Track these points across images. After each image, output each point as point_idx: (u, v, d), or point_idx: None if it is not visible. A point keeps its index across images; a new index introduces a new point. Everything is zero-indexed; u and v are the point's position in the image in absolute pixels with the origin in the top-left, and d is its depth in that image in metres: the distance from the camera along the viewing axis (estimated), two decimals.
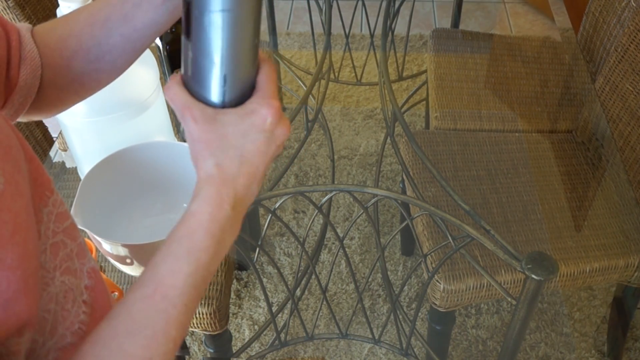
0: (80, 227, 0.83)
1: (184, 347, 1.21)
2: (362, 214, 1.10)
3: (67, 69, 0.61)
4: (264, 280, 1.74)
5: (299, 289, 1.56)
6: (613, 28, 1.43)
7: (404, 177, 1.52)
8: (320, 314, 1.64)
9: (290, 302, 1.20)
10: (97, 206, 0.91)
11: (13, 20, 1.33)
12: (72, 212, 0.84)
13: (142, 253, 0.86)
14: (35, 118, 0.65)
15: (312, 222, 1.84)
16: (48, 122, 1.51)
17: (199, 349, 1.59)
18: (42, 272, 0.48)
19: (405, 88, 2.21)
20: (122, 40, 0.60)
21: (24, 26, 0.61)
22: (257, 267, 1.11)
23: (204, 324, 1.16)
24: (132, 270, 0.90)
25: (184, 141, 1.00)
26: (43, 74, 0.61)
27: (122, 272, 1.01)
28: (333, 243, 1.82)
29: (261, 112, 0.51)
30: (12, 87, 0.58)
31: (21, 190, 0.45)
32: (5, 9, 1.31)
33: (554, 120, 1.54)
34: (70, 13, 0.63)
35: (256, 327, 1.64)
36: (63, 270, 0.51)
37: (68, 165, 1.28)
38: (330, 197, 1.07)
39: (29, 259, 0.44)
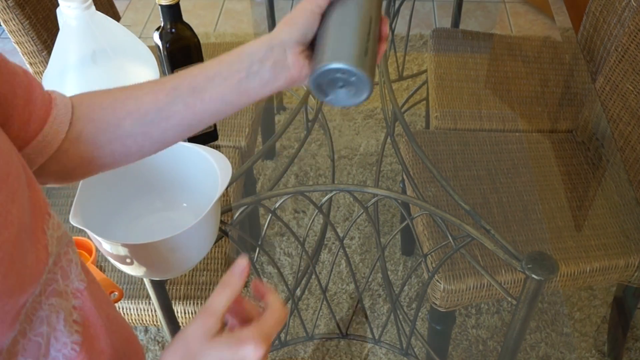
0: (80, 227, 0.83)
1: None
2: (362, 213, 1.10)
3: (116, 127, 0.61)
4: (264, 280, 1.74)
5: (299, 288, 1.56)
6: (613, 28, 1.43)
7: (404, 176, 1.52)
8: (321, 313, 1.64)
9: (290, 301, 1.20)
10: (97, 206, 0.91)
11: (12, 20, 1.33)
12: (72, 212, 0.84)
13: (142, 253, 0.86)
14: (45, 180, 0.63)
15: (312, 222, 1.84)
16: None
17: None
18: (32, 298, 0.48)
19: (406, 88, 2.20)
20: (184, 108, 0.61)
21: (62, 98, 0.61)
22: (257, 267, 1.11)
23: None
24: (132, 270, 0.90)
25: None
26: (85, 130, 0.60)
27: (122, 272, 1.01)
28: (333, 243, 1.82)
29: (247, 348, 0.52)
30: (28, 141, 0.58)
31: (11, 220, 0.44)
32: (5, 9, 1.31)
33: (554, 120, 1.54)
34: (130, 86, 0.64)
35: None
36: (49, 293, 0.50)
37: None
38: (331, 197, 1.06)
39: (8, 292, 0.44)
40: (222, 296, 0.54)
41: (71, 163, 0.62)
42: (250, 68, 0.59)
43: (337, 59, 0.57)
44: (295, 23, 0.60)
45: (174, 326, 1.14)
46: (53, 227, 0.51)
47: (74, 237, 1.07)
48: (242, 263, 0.56)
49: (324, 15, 0.60)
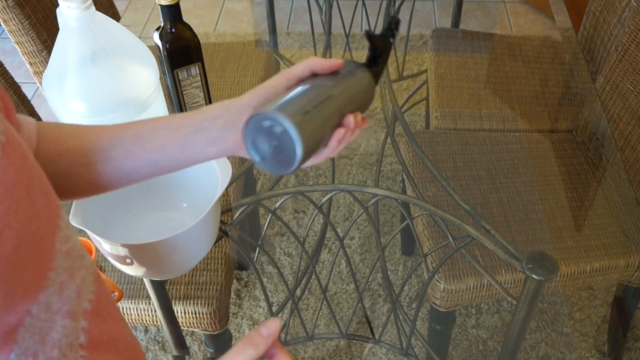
0: (80, 227, 0.83)
1: (184, 347, 1.21)
2: (362, 213, 1.10)
3: (54, 163, 0.59)
4: (264, 280, 1.74)
5: (299, 288, 1.56)
6: (613, 28, 1.42)
7: (404, 176, 1.52)
8: (321, 313, 1.64)
9: (290, 302, 1.20)
10: (97, 206, 0.91)
11: (12, 20, 1.33)
12: (72, 212, 0.84)
13: (142, 253, 0.86)
14: None
15: (312, 221, 1.83)
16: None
17: (199, 349, 1.59)
18: (45, 317, 0.46)
19: (406, 88, 2.20)
20: (123, 154, 0.60)
21: (30, 121, 0.60)
22: (257, 267, 1.11)
23: (204, 323, 1.16)
24: (132, 270, 0.90)
25: None
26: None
27: (122, 272, 1.01)
28: (333, 243, 1.82)
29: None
30: None
31: (8, 234, 0.42)
32: (4, 8, 1.31)
33: (555, 120, 1.54)
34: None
35: (256, 327, 1.64)
36: (64, 313, 0.49)
37: None
38: (331, 197, 1.06)
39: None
40: (243, 357, 0.51)
41: None
42: (200, 124, 0.59)
43: (278, 109, 0.54)
44: (259, 90, 0.60)
45: (174, 326, 1.14)
46: (61, 240, 0.49)
47: None
48: (273, 326, 0.52)
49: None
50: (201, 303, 1.13)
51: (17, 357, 0.44)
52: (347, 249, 1.80)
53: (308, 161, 0.60)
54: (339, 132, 0.59)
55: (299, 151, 0.54)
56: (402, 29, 1.90)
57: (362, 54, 0.71)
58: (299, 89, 0.58)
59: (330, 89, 0.59)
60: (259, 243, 1.11)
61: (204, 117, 0.59)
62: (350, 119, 0.59)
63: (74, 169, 0.60)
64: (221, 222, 0.97)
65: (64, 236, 0.50)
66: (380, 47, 0.65)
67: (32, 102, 1.42)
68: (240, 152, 0.61)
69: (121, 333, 0.59)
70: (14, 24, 1.34)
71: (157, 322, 1.17)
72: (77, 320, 0.51)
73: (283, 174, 0.57)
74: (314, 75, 0.62)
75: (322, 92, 0.58)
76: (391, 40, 0.65)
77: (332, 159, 1.86)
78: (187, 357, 1.57)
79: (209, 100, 1.10)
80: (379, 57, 0.66)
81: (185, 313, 1.14)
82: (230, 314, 1.60)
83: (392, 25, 0.65)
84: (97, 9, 0.98)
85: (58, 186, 0.59)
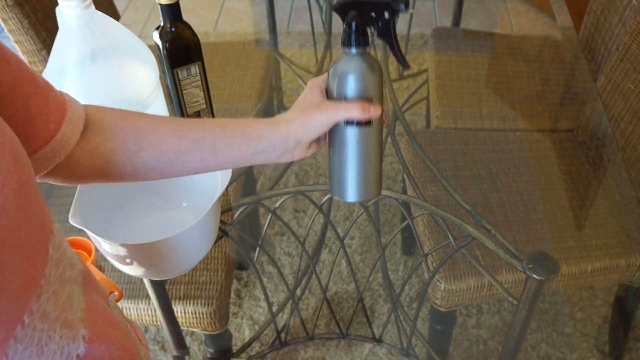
0: (80, 227, 0.82)
1: (184, 347, 1.20)
2: (362, 213, 1.10)
3: (134, 154, 0.65)
4: (264, 280, 1.73)
5: (299, 288, 1.56)
6: (614, 27, 1.42)
7: (405, 176, 1.52)
8: (321, 313, 1.64)
9: (290, 301, 1.20)
10: (96, 206, 0.90)
11: (12, 19, 1.33)
12: (71, 212, 0.84)
13: (141, 253, 0.86)
14: (52, 180, 0.66)
15: (313, 221, 1.83)
16: None
17: (199, 349, 1.59)
18: (42, 326, 0.46)
19: (406, 87, 2.20)
20: (200, 161, 0.67)
21: (74, 98, 0.64)
22: (257, 266, 1.10)
23: (204, 323, 1.15)
24: (132, 270, 0.90)
25: None
26: (101, 146, 0.64)
27: (122, 272, 1.01)
28: (333, 243, 1.81)
29: None
30: (47, 140, 0.59)
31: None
32: (4, 7, 1.31)
33: (555, 120, 1.53)
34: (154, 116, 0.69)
35: (256, 327, 1.64)
36: (62, 322, 0.48)
37: None
38: (331, 197, 1.06)
39: None
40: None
41: (80, 172, 0.64)
42: (265, 149, 0.67)
43: (362, 198, 0.70)
44: (309, 126, 0.66)
45: (174, 326, 1.13)
46: (54, 247, 0.49)
47: (73, 237, 1.06)
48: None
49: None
50: (201, 303, 1.13)
51: None
52: (347, 249, 1.79)
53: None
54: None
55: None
56: (403, 28, 1.90)
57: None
58: (356, 159, 0.69)
59: (377, 144, 0.69)
60: (259, 243, 1.10)
61: (268, 144, 0.67)
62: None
63: (154, 163, 0.66)
64: (221, 222, 0.97)
65: (56, 243, 0.49)
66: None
67: None
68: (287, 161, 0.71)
69: (117, 337, 0.58)
70: (13, 23, 1.34)
71: (157, 322, 1.17)
72: (74, 330, 0.50)
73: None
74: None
75: (377, 152, 0.70)
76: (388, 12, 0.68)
77: None
78: (187, 357, 1.57)
79: (209, 100, 1.10)
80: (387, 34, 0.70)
81: (185, 313, 1.14)
82: (230, 314, 1.60)
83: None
84: (97, 8, 0.97)
85: (135, 172, 0.66)
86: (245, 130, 0.67)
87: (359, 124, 0.66)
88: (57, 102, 0.60)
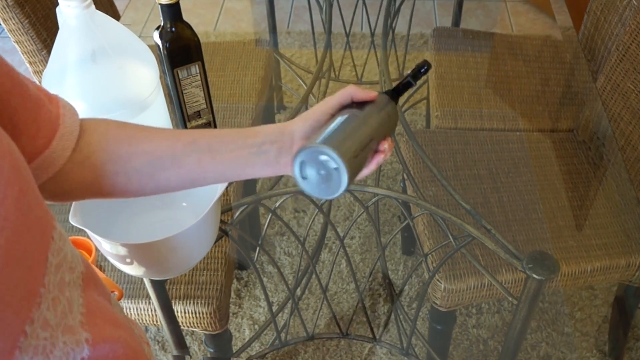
0: (80, 227, 0.82)
1: (184, 347, 1.20)
2: (362, 213, 1.10)
3: (126, 161, 0.64)
4: (264, 279, 1.74)
5: (299, 288, 1.56)
6: (614, 27, 1.42)
7: (405, 176, 1.52)
8: (321, 313, 1.64)
9: (290, 301, 1.20)
10: (96, 205, 0.90)
11: (12, 19, 1.33)
12: (71, 211, 0.84)
13: (142, 253, 0.86)
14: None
15: (313, 221, 1.83)
16: None
17: (199, 349, 1.59)
18: (45, 334, 0.45)
19: None
20: (196, 162, 0.65)
21: (71, 111, 0.63)
22: (258, 266, 1.11)
23: (204, 323, 1.15)
24: (132, 269, 0.90)
25: None
26: (93, 157, 0.62)
27: (122, 272, 1.01)
28: (333, 242, 1.81)
29: None
30: (34, 156, 0.58)
31: None
32: (4, 7, 1.31)
33: (555, 119, 1.53)
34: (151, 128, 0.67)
35: (256, 326, 1.64)
36: (63, 328, 0.48)
37: None
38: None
39: None
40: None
41: (69, 185, 0.63)
42: (262, 145, 0.66)
43: (331, 145, 0.62)
44: (308, 119, 0.67)
45: (174, 326, 1.13)
46: (53, 253, 0.48)
47: (74, 237, 1.07)
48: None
49: (334, 115, 0.68)
50: (201, 303, 1.13)
51: None
52: (347, 249, 1.80)
53: None
54: (379, 158, 0.67)
55: (344, 185, 0.63)
56: (403, 28, 1.90)
57: (362, 53, 0.73)
58: (346, 123, 0.65)
59: (373, 130, 0.67)
60: (259, 243, 1.10)
61: (265, 140, 0.66)
62: (386, 146, 0.68)
63: (148, 169, 0.65)
64: (221, 221, 0.97)
65: (56, 249, 0.49)
66: (406, 84, 0.73)
67: None
68: (286, 172, 0.68)
69: (120, 335, 0.58)
70: (13, 23, 1.34)
71: (157, 321, 1.17)
72: (76, 334, 0.50)
73: (322, 198, 0.66)
74: (352, 102, 0.69)
75: (366, 134, 0.66)
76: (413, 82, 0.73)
77: None
78: (187, 357, 1.57)
79: (209, 100, 1.10)
80: (402, 91, 0.73)
81: (185, 313, 1.14)
82: (230, 314, 1.60)
83: (423, 69, 0.71)
84: (97, 7, 0.97)
85: (129, 181, 0.64)
86: (242, 129, 0.67)
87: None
88: (49, 118, 0.58)
